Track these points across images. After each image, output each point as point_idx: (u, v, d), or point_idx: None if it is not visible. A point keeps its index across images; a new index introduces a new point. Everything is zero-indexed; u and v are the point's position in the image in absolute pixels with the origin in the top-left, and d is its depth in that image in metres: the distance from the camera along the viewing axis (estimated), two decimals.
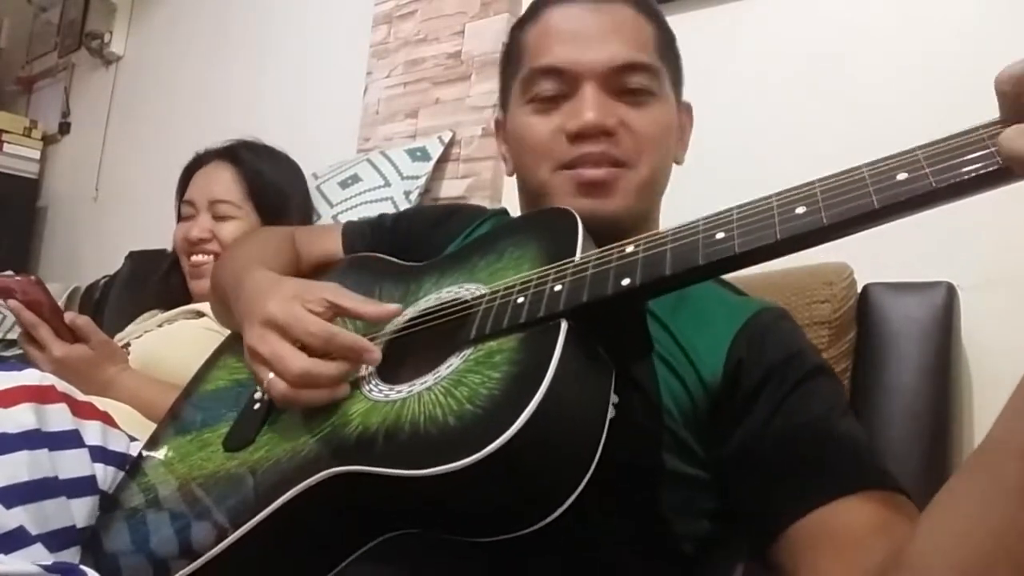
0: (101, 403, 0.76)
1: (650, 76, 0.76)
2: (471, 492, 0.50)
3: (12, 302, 1.03)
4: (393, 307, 0.69)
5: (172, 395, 1.06)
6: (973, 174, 0.43)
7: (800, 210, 0.49)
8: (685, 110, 0.85)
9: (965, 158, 0.44)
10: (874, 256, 0.96)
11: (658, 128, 0.76)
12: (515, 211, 0.88)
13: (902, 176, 0.46)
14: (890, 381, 0.93)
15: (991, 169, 0.43)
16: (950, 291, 0.96)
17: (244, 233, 1.29)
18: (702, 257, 0.53)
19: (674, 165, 0.83)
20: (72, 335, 1.07)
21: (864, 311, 0.98)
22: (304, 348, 0.64)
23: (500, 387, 0.53)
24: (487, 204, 1.53)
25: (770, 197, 0.53)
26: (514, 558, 0.56)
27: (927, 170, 0.45)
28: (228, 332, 1.22)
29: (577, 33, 0.76)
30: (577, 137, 0.74)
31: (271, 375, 0.63)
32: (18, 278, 1.06)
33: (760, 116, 1.26)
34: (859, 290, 0.99)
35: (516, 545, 0.51)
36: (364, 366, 0.66)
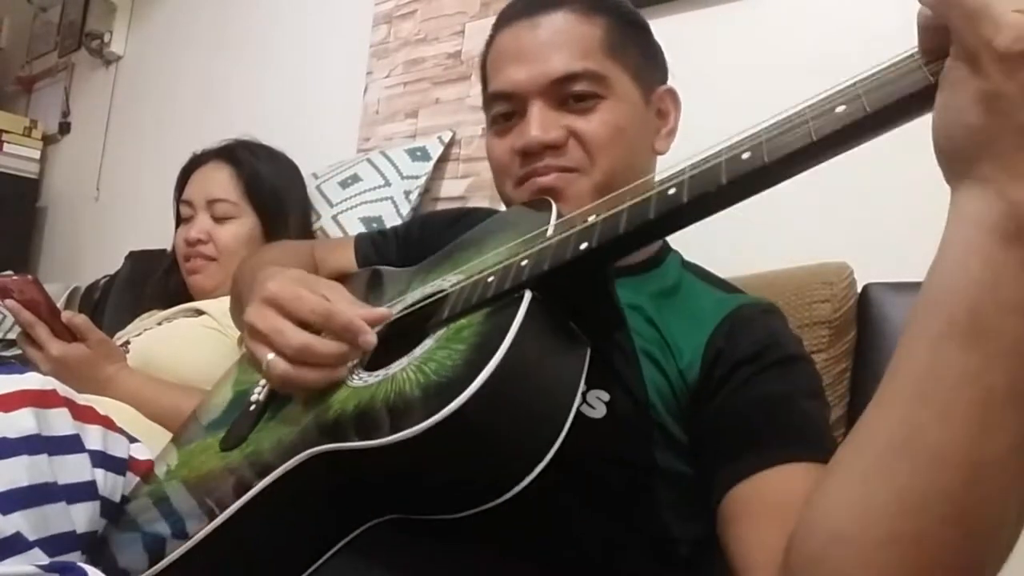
0: (102, 407, 0.76)
1: (592, 82, 0.76)
2: (432, 460, 0.50)
3: (9, 302, 1.03)
4: (380, 311, 0.67)
5: (171, 393, 1.07)
6: (905, 93, 0.44)
7: (745, 156, 0.51)
8: (668, 96, 0.85)
9: (897, 80, 0.45)
10: (874, 256, 0.96)
11: (609, 129, 0.76)
12: None
13: (840, 109, 0.47)
14: None
15: (921, 87, 0.44)
16: None
17: (262, 248, 1.29)
18: (654, 212, 0.53)
19: (660, 156, 0.84)
20: (70, 334, 1.07)
21: (864, 311, 0.98)
22: (304, 328, 0.64)
23: (462, 357, 0.54)
24: (487, 204, 1.53)
25: (720, 148, 0.54)
26: (503, 557, 0.56)
27: (863, 97, 0.46)
28: (228, 329, 1.23)
29: (518, 53, 0.79)
30: (525, 154, 0.77)
31: (271, 356, 0.63)
32: (15, 278, 1.06)
33: (761, 115, 1.25)
34: (859, 290, 0.99)
35: (506, 543, 0.51)
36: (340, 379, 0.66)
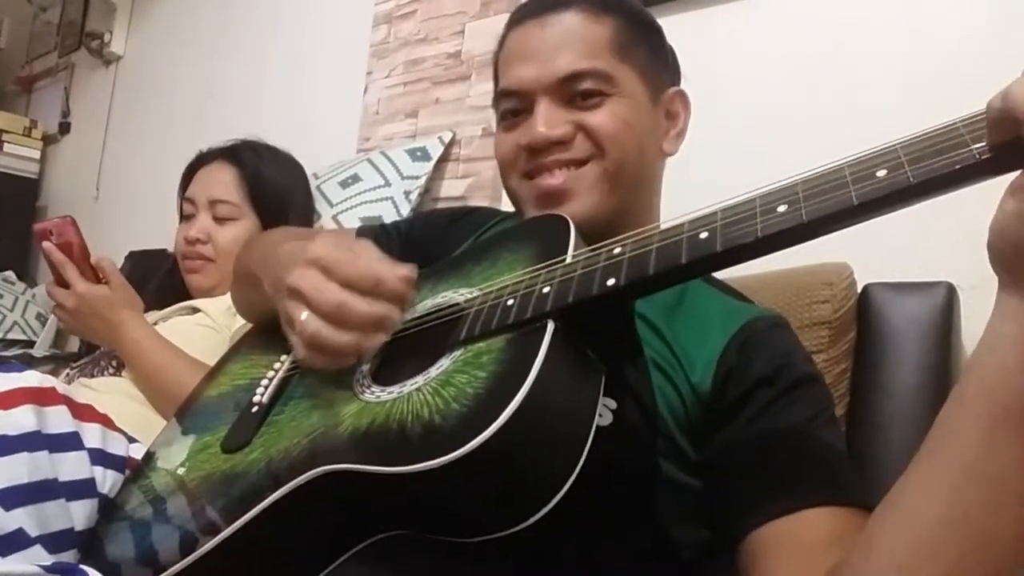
0: (101, 406, 0.76)
1: (598, 80, 0.77)
2: (455, 489, 0.50)
3: (46, 244, 1.11)
4: (407, 270, 0.64)
5: (171, 354, 1.11)
6: (952, 168, 0.44)
7: (781, 208, 0.50)
8: (677, 98, 0.85)
9: (945, 155, 0.44)
10: (874, 256, 0.96)
11: (617, 122, 0.77)
12: None
13: (882, 173, 0.46)
14: (890, 381, 0.93)
15: (968, 164, 0.43)
16: (950, 291, 0.95)
17: (262, 232, 1.29)
18: (685, 256, 0.53)
19: (669, 159, 0.84)
20: (96, 276, 1.15)
21: (864, 311, 0.98)
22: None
23: (485, 386, 0.53)
24: (487, 204, 1.53)
25: (754, 197, 0.53)
26: (509, 562, 0.56)
27: (907, 167, 0.45)
28: (224, 327, 1.23)
29: (527, 52, 0.79)
30: (531, 150, 0.78)
31: (304, 314, 0.61)
32: (56, 220, 1.14)
33: (760, 115, 1.26)
34: (859, 290, 0.99)
35: (510, 548, 0.50)
36: (360, 368, 0.66)
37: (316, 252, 0.64)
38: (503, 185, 0.85)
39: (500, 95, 0.83)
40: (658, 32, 0.85)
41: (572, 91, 0.77)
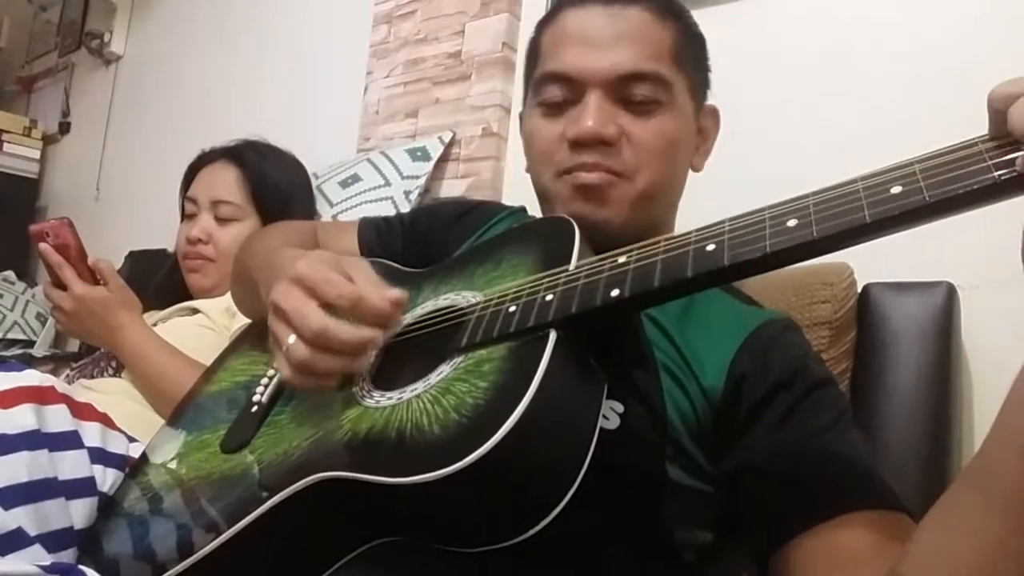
0: (100, 405, 0.76)
1: (657, 87, 0.73)
2: (453, 501, 0.50)
3: (43, 245, 1.11)
4: (402, 293, 0.64)
5: (171, 356, 1.10)
6: (969, 188, 0.42)
7: (791, 223, 0.49)
8: (710, 114, 0.83)
9: (962, 171, 0.43)
10: (874, 256, 0.96)
11: (662, 139, 0.74)
12: (532, 207, 0.87)
13: (896, 189, 0.45)
14: (890, 381, 0.93)
15: (987, 184, 0.42)
16: (950, 291, 0.96)
17: (263, 228, 1.29)
18: (691, 269, 0.52)
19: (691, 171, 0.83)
20: (94, 278, 1.14)
21: (864, 311, 0.98)
22: (330, 311, 0.62)
23: (485, 397, 0.53)
24: None
25: (764, 209, 0.52)
26: (509, 564, 0.56)
27: (922, 184, 0.44)
28: (223, 329, 1.23)
29: (587, 38, 0.74)
30: (575, 144, 0.73)
31: (292, 339, 0.61)
32: (52, 221, 1.13)
33: (766, 114, 1.26)
34: (859, 290, 0.99)
35: (512, 550, 0.50)
36: (359, 372, 0.65)
37: (300, 270, 0.63)
38: (533, 180, 0.81)
39: (546, 78, 0.76)
40: (705, 46, 0.82)
41: (627, 92, 0.73)
